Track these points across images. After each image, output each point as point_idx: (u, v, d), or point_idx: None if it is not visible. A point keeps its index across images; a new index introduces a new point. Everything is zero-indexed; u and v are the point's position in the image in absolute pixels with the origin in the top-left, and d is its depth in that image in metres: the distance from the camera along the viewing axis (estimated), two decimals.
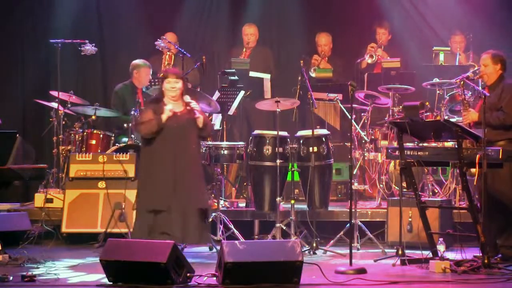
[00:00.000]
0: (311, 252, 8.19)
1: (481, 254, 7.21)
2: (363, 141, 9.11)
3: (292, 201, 8.53)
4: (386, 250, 8.23)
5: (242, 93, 9.55)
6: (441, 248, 7.23)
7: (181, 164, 7.60)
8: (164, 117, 7.58)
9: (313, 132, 8.57)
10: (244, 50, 10.71)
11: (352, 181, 8.08)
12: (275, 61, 11.14)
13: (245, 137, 9.76)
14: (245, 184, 9.68)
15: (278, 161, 8.49)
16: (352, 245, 7.60)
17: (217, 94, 9.41)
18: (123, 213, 8.65)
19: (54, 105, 9.68)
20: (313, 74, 10.45)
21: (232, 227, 8.56)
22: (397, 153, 7.63)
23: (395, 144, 8.54)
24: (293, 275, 6.54)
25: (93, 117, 9.71)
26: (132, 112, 9.52)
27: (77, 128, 9.64)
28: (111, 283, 6.63)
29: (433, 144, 7.57)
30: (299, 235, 8.51)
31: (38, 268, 7.29)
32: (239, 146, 8.90)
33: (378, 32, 10.59)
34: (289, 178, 8.83)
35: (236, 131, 10.39)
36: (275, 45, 11.56)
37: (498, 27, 10.49)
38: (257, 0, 11.36)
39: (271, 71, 10.55)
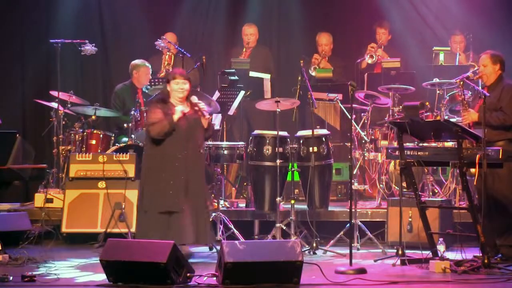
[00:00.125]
0: (311, 252, 8.18)
1: (481, 254, 7.21)
2: (363, 141, 9.11)
3: (292, 201, 8.53)
4: (386, 250, 8.23)
5: (242, 93, 9.54)
6: (441, 248, 7.23)
7: (191, 165, 7.59)
8: (175, 117, 7.55)
9: (313, 132, 8.57)
10: (244, 50, 10.71)
11: (352, 181, 8.08)
12: (275, 61, 11.15)
13: (245, 137, 9.76)
14: (245, 184, 9.68)
15: (278, 161, 8.49)
16: (352, 245, 7.60)
17: (217, 94, 9.41)
18: (123, 213, 8.65)
19: (54, 105, 9.68)
20: (313, 73, 10.44)
21: (232, 227, 8.56)
22: (397, 153, 7.63)
23: (395, 144, 8.54)
24: (293, 275, 6.54)
25: (93, 117, 9.71)
26: (132, 112, 9.53)
27: (77, 128, 9.64)
28: (111, 283, 6.63)
29: (433, 144, 7.58)
30: (299, 235, 8.51)
31: (38, 268, 7.29)
32: (239, 146, 8.91)
33: (378, 32, 10.59)
34: (289, 178, 8.83)
35: (236, 131, 10.39)
36: (275, 45, 11.57)
37: (498, 27, 10.49)
38: (257, 0, 11.36)
39: (271, 71, 10.55)
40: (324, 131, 8.94)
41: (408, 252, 7.65)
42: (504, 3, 10.76)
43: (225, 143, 8.99)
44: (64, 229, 8.82)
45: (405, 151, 7.57)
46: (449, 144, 7.49)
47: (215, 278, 6.73)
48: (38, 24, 11.35)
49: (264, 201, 8.81)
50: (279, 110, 8.51)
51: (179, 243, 7.49)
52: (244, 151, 8.90)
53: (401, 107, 9.13)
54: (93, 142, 9.60)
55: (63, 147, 9.66)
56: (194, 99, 7.69)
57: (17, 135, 9.81)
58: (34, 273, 6.88)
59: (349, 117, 8.01)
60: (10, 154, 9.61)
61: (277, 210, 8.53)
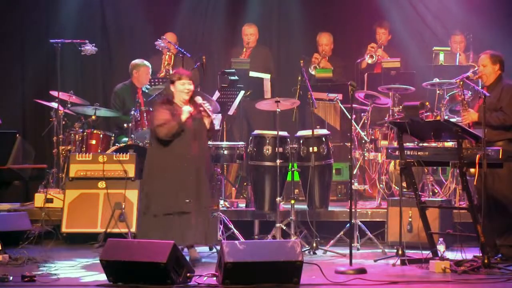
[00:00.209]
0: (311, 252, 8.18)
1: (481, 254, 7.21)
2: (363, 141, 9.11)
3: (292, 201, 8.53)
4: (386, 250, 8.23)
5: (242, 93, 9.55)
6: (441, 248, 7.23)
7: (199, 165, 7.57)
8: (184, 117, 7.52)
9: (313, 132, 8.57)
10: (244, 50, 10.71)
11: (352, 181, 8.08)
12: (275, 61, 11.15)
13: (245, 137, 9.76)
14: (245, 184, 9.68)
15: (278, 161, 8.49)
16: (352, 245, 7.60)
17: (217, 94, 9.41)
18: (123, 213, 8.65)
19: (54, 105, 9.67)
20: (313, 72, 10.45)
21: (232, 227, 8.56)
22: (397, 153, 7.63)
23: (395, 144, 8.54)
24: (293, 275, 6.54)
25: (93, 117, 9.71)
26: (132, 112, 9.53)
27: (77, 128, 9.64)
28: (111, 283, 6.63)
29: (433, 144, 7.57)
30: (299, 235, 8.51)
31: (38, 268, 7.29)
32: (239, 146, 8.91)
33: (378, 32, 10.59)
34: (289, 178, 8.83)
35: (236, 131, 10.39)
36: (275, 45, 11.57)
37: (498, 27, 10.49)
38: (257, 0, 11.36)
39: (271, 71, 10.55)
40: (324, 131, 8.95)
41: (408, 252, 7.65)
42: (504, 3, 10.76)
43: (225, 143, 9.00)
44: (64, 229, 8.82)
45: (405, 151, 7.57)
46: (449, 144, 7.49)
47: (215, 278, 6.73)
48: (38, 24, 11.35)
49: (264, 201, 8.81)
50: (279, 110, 8.51)
51: (188, 243, 7.51)
52: (244, 151, 8.90)
53: (401, 107, 9.13)
54: (93, 142, 9.60)
55: (63, 147, 9.65)
56: (199, 99, 7.67)
57: (17, 135, 9.82)
58: (34, 273, 6.88)
59: (349, 117, 8.01)
60: (10, 154, 9.62)
61: (277, 210, 8.53)
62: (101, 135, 9.63)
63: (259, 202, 8.86)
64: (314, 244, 8.22)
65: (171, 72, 10.19)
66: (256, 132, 8.96)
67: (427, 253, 7.43)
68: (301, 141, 8.77)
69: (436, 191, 9.25)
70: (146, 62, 10.17)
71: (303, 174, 8.83)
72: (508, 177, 7.65)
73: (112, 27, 11.48)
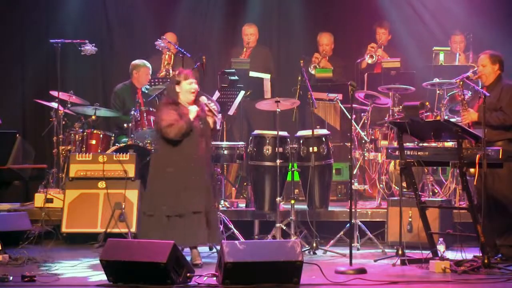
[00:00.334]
0: (311, 252, 8.18)
1: (481, 254, 7.21)
2: (363, 141, 9.11)
3: (292, 201, 8.53)
4: (386, 250, 8.23)
5: (242, 93, 9.54)
6: (441, 248, 7.23)
7: (204, 165, 7.56)
8: (191, 117, 7.49)
9: (313, 132, 8.57)
10: (244, 50, 10.71)
11: (352, 181, 8.08)
12: (275, 61, 11.15)
13: (245, 137, 9.76)
14: (245, 184, 9.68)
15: (278, 161, 8.49)
16: (352, 245, 7.60)
17: (217, 94, 9.41)
18: (123, 213, 8.65)
19: (54, 105, 9.67)
20: (312, 72, 10.44)
21: (232, 227, 8.56)
22: (397, 153, 7.63)
23: (395, 144, 8.54)
24: (293, 275, 6.54)
25: (93, 117, 9.71)
26: (132, 112, 9.53)
27: (77, 128, 9.63)
28: (111, 283, 6.63)
29: (433, 144, 7.57)
30: (299, 235, 8.51)
31: (38, 268, 7.29)
32: (239, 146, 8.91)
33: (378, 32, 10.59)
34: (289, 178, 8.83)
35: (236, 131, 10.39)
36: (275, 45, 11.57)
37: (498, 27, 10.49)
38: (257, 0, 11.36)
39: (271, 71, 10.55)
40: (324, 131, 8.95)
41: (408, 252, 7.65)
42: (504, 3, 10.76)
43: (225, 143, 9.00)
44: (64, 229, 8.82)
45: (405, 151, 7.57)
46: (449, 144, 7.49)
47: (215, 278, 6.73)
48: (38, 24, 11.35)
49: (264, 201, 8.81)
50: (279, 110, 8.51)
51: (194, 244, 7.49)
52: (244, 151, 8.90)
53: (401, 107, 9.13)
54: (93, 142, 9.60)
55: (63, 147, 9.65)
56: (204, 99, 7.65)
57: (17, 135, 9.82)
58: (34, 273, 6.88)
59: (349, 117, 8.01)
60: (10, 154, 9.62)
61: (277, 210, 8.53)
62: (101, 135, 9.63)
63: (259, 202, 8.86)
64: (314, 244, 8.22)
65: (171, 72, 10.21)
66: (256, 132, 8.96)
67: (427, 253, 7.43)
68: (301, 141, 8.77)
69: (436, 191, 9.25)
70: (146, 63, 10.18)
71: (303, 174, 8.83)
72: (508, 177, 7.65)
73: (112, 27, 11.48)
